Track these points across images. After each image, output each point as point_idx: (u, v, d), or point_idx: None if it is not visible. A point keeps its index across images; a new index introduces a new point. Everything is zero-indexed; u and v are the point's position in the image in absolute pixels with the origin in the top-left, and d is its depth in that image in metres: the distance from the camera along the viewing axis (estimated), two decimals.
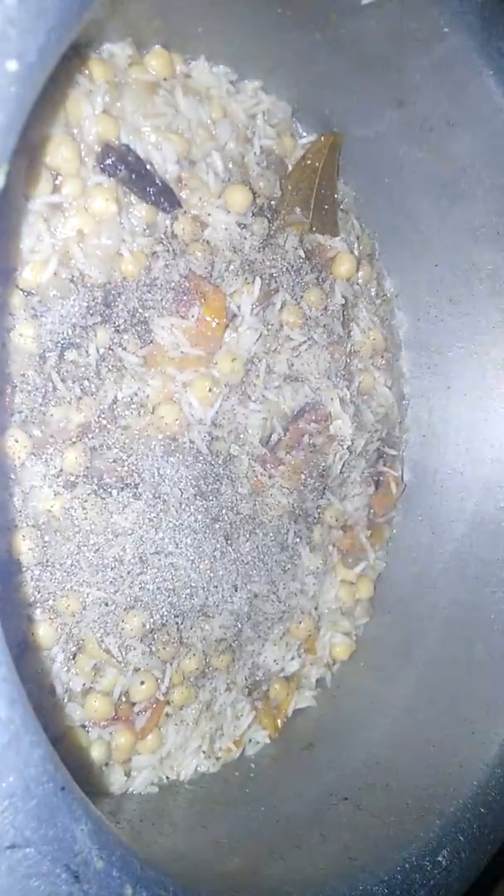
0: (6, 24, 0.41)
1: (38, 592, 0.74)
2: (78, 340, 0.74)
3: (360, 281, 0.97)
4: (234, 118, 0.85)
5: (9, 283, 0.70)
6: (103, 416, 0.76)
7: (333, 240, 0.93)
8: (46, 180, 0.72)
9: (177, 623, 0.81)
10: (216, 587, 0.83)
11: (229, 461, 0.84)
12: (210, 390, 0.81)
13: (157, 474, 0.79)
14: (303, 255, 0.89)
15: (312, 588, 0.93)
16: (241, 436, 0.85)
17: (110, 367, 0.76)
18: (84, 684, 0.77)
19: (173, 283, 0.79)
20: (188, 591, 0.81)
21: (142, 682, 0.79)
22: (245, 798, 0.85)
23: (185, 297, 0.79)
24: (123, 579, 0.77)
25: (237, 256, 0.83)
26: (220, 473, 0.83)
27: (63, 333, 0.73)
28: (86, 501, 0.75)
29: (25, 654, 0.74)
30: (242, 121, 0.86)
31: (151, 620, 0.79)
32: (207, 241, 0.81)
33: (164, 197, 0.77)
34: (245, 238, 0.83)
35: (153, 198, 0.77)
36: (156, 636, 0.80)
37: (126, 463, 0.77)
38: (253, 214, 0.84)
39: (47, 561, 0.74)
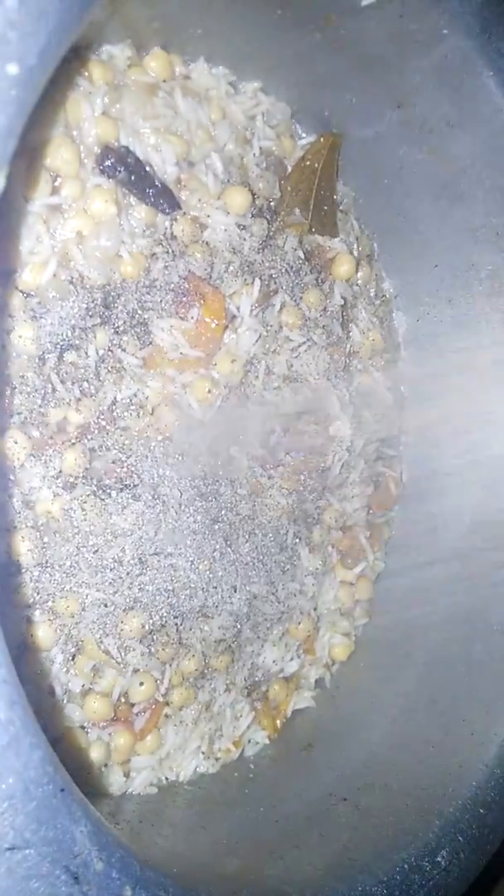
0: (6, 27, 0.41)
1: (38, 594, 0.74)
2: (77, 342, 0.74)
3: (359, 282, 0.97)
4: (234, 119, 0.85)
5: (8, 284, 0.70)
6: (102, 417, 0.76)
7: (333, 241, 0.93)
8: (46, 182, 0.72)
9: (176, 624, 0.81)
10: (215, 588, 0.83)
11: (228, 462, 0.84)
12: (209, 391, 0.81)
13: (156, 475, 0.79)
14: (302, 256, 0.89)
15: (311, 588, 0.93)
16: (241, 437, 0.85)
17: (109, 368, 0.76)
18: (83, 685, 0.77)
19: (172, 285, 0.79)
20: (187, 591, 0.81)
21: (141, 683, 0.79)
22: (244, 798, 0.85)
23: (184, 299, 0.79)
24: (123, 580, 0.77)
25: (236, 258, 0.83)
26: (220, 474, 0.83)
27: (62, 335, 0.73)
28: (85, 503, 0.75)
29: (25, 656, 0.74)
30: (242, 122, 0.86)
31: (151, 621, 0.79)
32: (207, 243, 0.81)
33: (164, 198, 0.77)
34: (244, 239, 0.83)
35: (152, 199, 0.77)
36: (155, 637, 0.80)
37: (125, 464, 0.77)
38: (252, 216, 0.84)
39: (46, 562, 0.74)
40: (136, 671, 0.79)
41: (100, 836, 0.52)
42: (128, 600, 0.78)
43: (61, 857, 0.50)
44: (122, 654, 0.78)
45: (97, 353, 0.75)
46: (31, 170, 0.71)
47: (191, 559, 0.81)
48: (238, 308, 0.83)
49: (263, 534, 0.87)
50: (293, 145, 0.91)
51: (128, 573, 0.77)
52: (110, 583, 0.77)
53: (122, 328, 0.76)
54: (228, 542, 0.84)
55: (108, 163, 0.74)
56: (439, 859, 0.73)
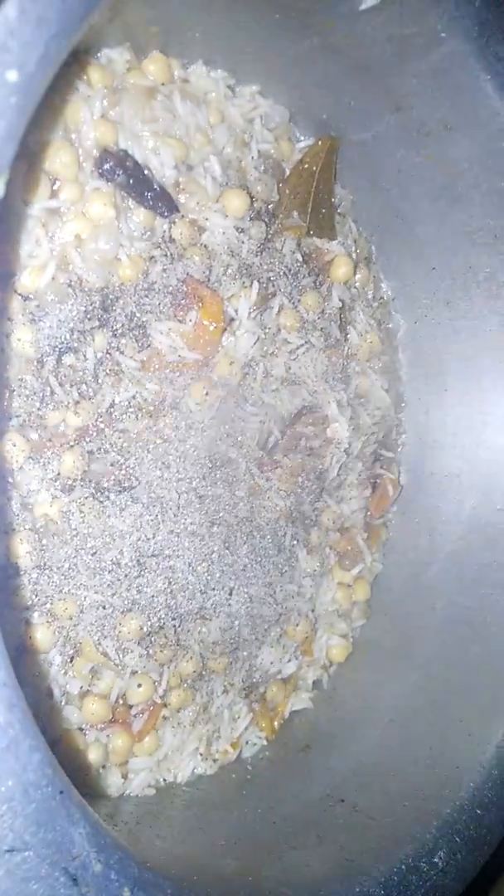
0: (6, 35, 0.41)
1: (36, 596, 0.74)
2: (76, 345, 0.74)
3: (357, 284, 0.97)
4: (232, 122, 0.85)
5: (7, 288, 0.70)
6: (101, 419, 0.76)
7: (331, 243, 0.93)
8: (45, 185, 0.72)
9: (174, 626, 0.81)
10: (213, 590, 0.84)
11: (227, 464, 0.84)
12: (207, 394, 0.81)
13: (154, 477, 0.79)
14: (300, 259, 0.89)
15: (309, 590, 0.93)
16: (239, 439, 0.85)
17: (108, 371, 0.76)
18: (81, 687, 0.77)
19: (171, 288, 0.79)
20: (185, 593, 0.82)
21: (139, 685, 0.80)
22: (242, 800, 0.85)
23: (182, 302, 0.80)
24: (121, 582, 0.77)
25: (235, 260, 0.83)
26: (218, 476, 0.83)
27: (61, 338, 0.73)
28: (83, 505, 0.75)
29: (23, 658, 0.74)
30: (240, 125, 0.86)
31: (149, 623, 0.79)
32: (205, 246, 0.81)
33: (162, 201, 0.77)
34: (242, 242, 0.84)
35: (151, 202, 0.77)
36: (153, 639, 0.80)
37: (123, 466, 0.78)
38: (250, 218, 0.85)
39: (45, 564, 0.74)
40: (134, 673, 0.80)
41: (98, 838, 0.52)
42: (126, 602, 0.78)
43: (60, 859, 0.50)
44: (121, 655, 0.78)
45: (95, 356, 0.75)
46: (30, 173, 0.71)
47: (189, 561, 0.81)
48: (236, 311, 0.83)
49: (261, 535, 0.88)
50: (291, 148, 0.91)
51: (126, 575, 0.78)
52: (108, 585, 0.77)
53: (120, 331, 0.77)
54: (226, 544, 0.84)
55: (106, 166, 0.74)
56: (437, 860, 0.73)
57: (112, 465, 0.77)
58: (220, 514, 0.84)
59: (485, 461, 0.98)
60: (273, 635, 0.91)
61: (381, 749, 0.88)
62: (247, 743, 0.92)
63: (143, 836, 0.75)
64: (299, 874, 0.71)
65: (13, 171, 0.46)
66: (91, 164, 0.74)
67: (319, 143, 0.92)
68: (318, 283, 0.92)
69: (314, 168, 0.91)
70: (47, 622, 0.74)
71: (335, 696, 0.98)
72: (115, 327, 0.76)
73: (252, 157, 0.86)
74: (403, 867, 0.71)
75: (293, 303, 0.88)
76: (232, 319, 0.83)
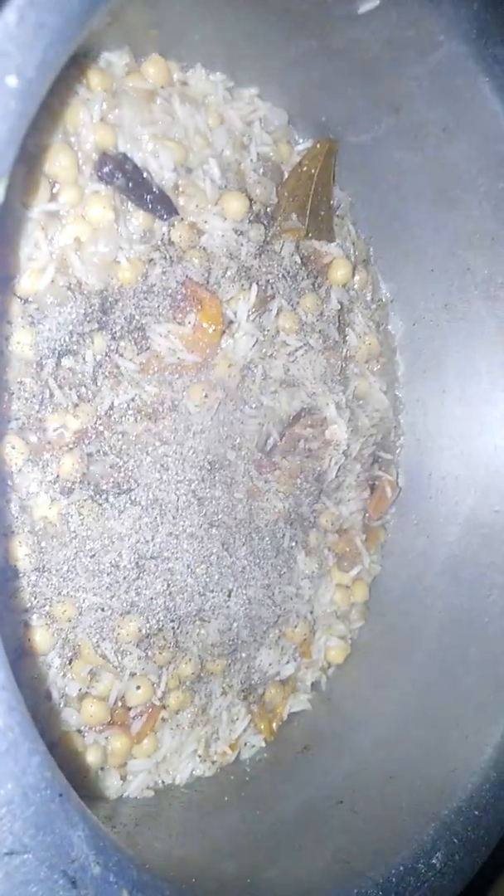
0: (6, 40, 0.41)
1: (35, 598, 0.74)
2: (75, 347, 0.74)
3: (355, 286, 0.97)
4: (231, 125, 0.85)
5: (6, 290, 0.70)
6: (100, 422, 0.76)
7: (329, 245, 0.93)
8: (44, 188, 0.72)
9: (173, 628, 0.81)
10: (212, 591, 0.84)
11: (225, 466, 0.84)
12: (206, 396, 0.81)
13: (153, 479, 0.79)
14: (299, 261, 0.90)
15: (308, 592, 0.94)
16: (238, 441, 0.85)
17: (107, 373, 0.76)
18: (80, 689, 0.78)
19: (170, 290, 0.79)
20: (184, 595, 0.82)
21: (138, 687, 0.80)
22: (240, 801, 0.85)
23: (181, 304, 0.80)
24: (119, 584, 0.78)
25: (234, 263, 0.83)
26: (217, 478, 0.83)
27: (60, 340, 0.73)
28: (82, 507, 0.75)
29: (22, 660, 0.74)
30: (239, 128, 0.86)
31: (147, 625, 0.79)
32: (204, 248, 0.81)
33: (161, 204, 0.78)
34: (241, 245, 0.84)
35: (150, 205, 0.77)
36: (152, 641, 0.80)
37: (122, 468, 0.78)
38: (249, 221, 0.85)
39: (44, 567, 0.74)
40: (132, 675, 0.80)
41: (97, 841, 0.52)
42: (125, 604, 0.78)
43: (59, 862, 0.50)
44: (119, 657, 0.78)
45: (95, 359, 0.75)
46: (30, 176, 0.71)
47: (188, 563, 0.81)
48: (235, 313, 0.83)
49: (260, 537, 0.88)
50: (290, 151, 0.91)
51: (125, 577, 0.78)
52: (107, 587, 0.77)
53: (119, 333, 0.77)
54: (225, 546, 0.84)
55: (106, 169, 0.74)
56: (434, 861, 0.74)
57: (111, 467, 0.77)
58: (219, 516, 0.84)
59: (483, 463, 0.98)
60: (271, 637, 0.91)
61: (379, 750, 0.88)
62: (245, 744, 0.92)
63: (142, 837, 0.75)
64: (297, 876, 0.72)
65: (13, 174, 0.47)
66: (90, 168, 0.74)
67: (318, 145, 0.92)
68: (316, 286, 0.92)
69: (313, 170, 0.91)
70: (46, 624, 0.75)
71: (333, 697, 0.98)
72: (114, 330, 0.76)
73: (251, 160, 0.87)
74: (401, 869, 0.72)
75: (292, 305, 0.89)
76: (231, 322, 0.83)
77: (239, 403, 0.85)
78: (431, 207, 0.92)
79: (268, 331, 0.86)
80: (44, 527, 0.74)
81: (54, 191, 0.73)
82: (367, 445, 0.98)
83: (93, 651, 0.77)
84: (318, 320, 0.91)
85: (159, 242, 0.79)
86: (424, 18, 0.76)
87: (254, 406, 0.86)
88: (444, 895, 0.74)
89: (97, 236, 0.74)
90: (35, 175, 0.71)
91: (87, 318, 0.74)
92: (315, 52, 0.83)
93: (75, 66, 0.73)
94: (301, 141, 0.93)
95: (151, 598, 0.79)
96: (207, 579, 0.83)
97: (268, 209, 0.88)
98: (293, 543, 0.91)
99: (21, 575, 0.73)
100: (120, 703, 0.80)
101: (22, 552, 0.72)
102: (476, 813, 0.77)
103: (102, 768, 0.81)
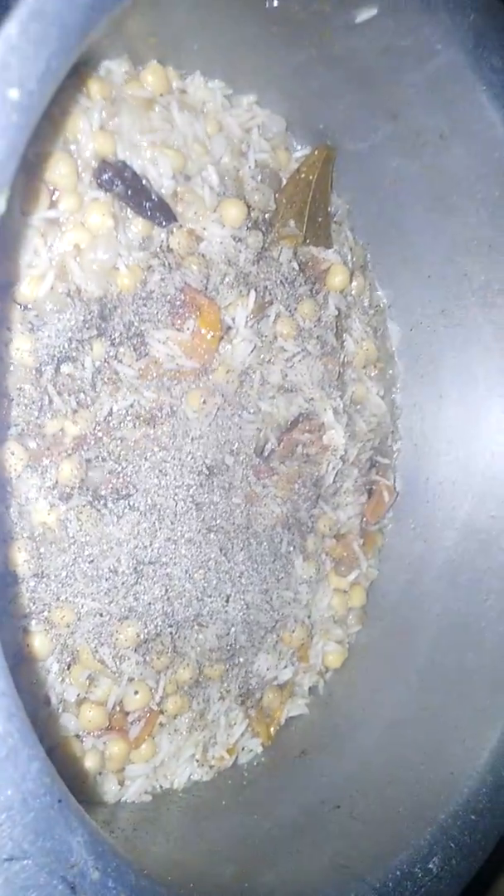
0: (7, 52, 0.42)
1: (34, 604, 0.74)
2: (74, 354, 0.74)
3: (353, 292, 0.98)
4: (230, 132, 0.86)
5: (6, 297, 0.71)
6: (99, 428, 0.76)
7: (327, 252, 0.93)
8: (44, 196, 0.72)
9: (171, 633, 0.82)
10: (210, 597, 0.84)
11: (224, 471, 0.84)
12: (204, 401, 0.81)
13: (151, 485, 0.79)
14: (297, 268, 0.90)
15: (305, 596, 0.94)
16: (236, 446, 0.85)
17: (106, 379, 0.77)
18: (78, 694, 0.78)
19: (169, 297, 0.79)
20: (182, 600, 0.82)
21: (136, 692, 0.80)
22: (238, 806, 0.85)
23: (180, 310, 0.80)
24: (118, 590, 0.78)
25: (232, 269, 0.84)
26: (215, 483, 0.84)
27: (59, 347, 0.73)
28: (81, 513, 0.76)
29: (21, 665, 0.74)
30: (237, 135, 0.86)
31: (146, 630, 0.79)
32: (203, 255, 0.82)
33: (160, 211, 0.78)
34: (240, 251, 0.84)
35: (149, 212, 0.77)
36: (150, 646, 0.81)
37: (121, 474, 0.78)
38: (248, 228, 0.85)
39: (42, 572, 0.74)
40: (130, 680, 0.80)
41: (96, 846, 0.53)
42: (123, 610, 0.78)
43: (58, 868, 0.50)
44: (117, 663, 0.79)
45: (94, 365, 0.76)
46: (30, 184, 0.71)
47: (186, 568, 0.82)
48: (233, 319, 0.84)
49: (258, 542, 0.88)
50: (288, 158, 0.92)
51: (123, 583, 0.78)
52: (106, 592, 0.77)
53: (118, 340, 0.77)
54: (223, 551, 0.85)
55: (105, 176, 0.75)
56: (431, 866, 0.74)
57: (110, 472, 0.77)
58: (217, 521, 0.84)
59: (479, 468, 0.99)
60: (269, 642, 0.91)
61: (376, 755, 0.89)
62: (243, 749, 0.92)
63: (140, 842, 0.75)
64: (295, 880, 0.72)
65: (13, 183, 0.47)
66: (90, 175, 0.75)
67: (316, 152, 0.92)
68: (314, 292, 0.92)
69: (311, 177, 0.91)
70: (45, 630, 0.75)
71: (331, 702, 0.98)
72: (113, 336, 0.77)
73: (249, 167, 0.87)
74: (398, 873, 0.72)
75: (290, 311, 0.89)
76: (229, 328, 0.84)
77: (237, 409, 0.85)
78: (429, 214, 0.93)
79: (266, 337, 0.87)
80: (43, 532, 0.74)
81: (54, 198, 0.73)
82: (365, 450, 0.99)
83: (91, 656, 0.77)
84: (315, 326, 0.92)
85: (158, 249, 0.79)
86: (422, 27, 0.76)
87: (252, 411, 0.86)
88: None
89: (96, 243, 0.74)
90: (35, 183, 0.71)
91: (87, 325, 0.75)
92: (313, 60, 0.83)
93: (75, 74, 0.74)
94: (299, 148, 0.94)
95: (150, 604, 0.80)
96: (205, 584, 0.83)
97: (266, 216, 0.89)
98: (291, 548, 0.91)
99: (20, 581, 0.73)
100: (118, 708, 0.80)
101: (21, 558, 0.73)
102: (473, 817, 0.78)
103: (100, 773, 0.81)
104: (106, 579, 0.77)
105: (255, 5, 0.76)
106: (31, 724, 0.50)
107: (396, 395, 1.05)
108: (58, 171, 0.72)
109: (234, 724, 0.90)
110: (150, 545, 0.79)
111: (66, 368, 0.74)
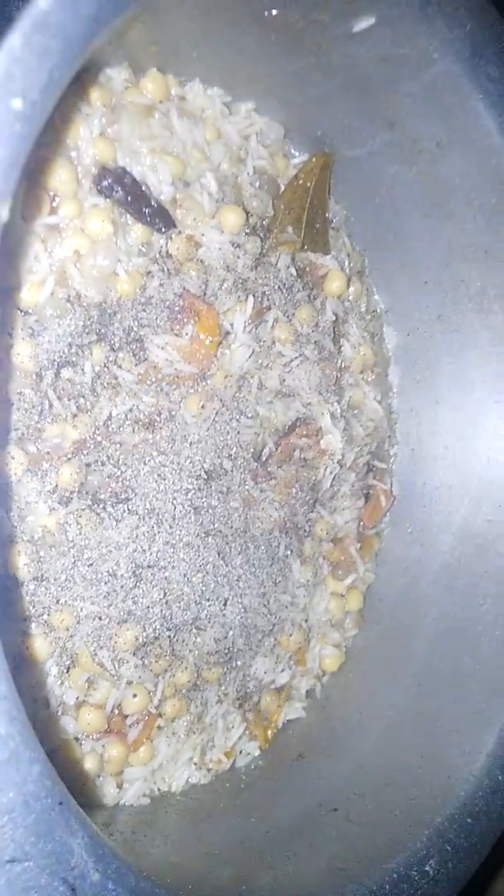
0: (11, 63, 0.42)
1: (34, 607, 0.75)
2: (74, 359, 0.75)
3: (350, 298, 0.98)
4: (228, 139, 0.86)
5: (7, 303, 0.71)
6: (98, 432, 0.77)
7: (324, 258, 0.94)
8: (44, 202, 0.73)
9: (169, 636, 0.82)
10: (208, 600, 0.84)
11: (222, 475, 0.85)
12: (203, 406, 0.82)
13: (150, 489, 0.80)
14: (294, 273, 0.91)
15: (303, 600, 0.94)
16: (234, 450, 0.86)
17: (105, 384, 0.77)
18: (77, 697, 0.78)
19: (168, 302, 0.80)
20: (181, 604, 0.82)
21: (134, 695, 0.80)
22: (236, 809, 0.86)
23: (179, 316, 0.81)
24: (117, 593, 0.78)
25: (230, 275, 0.84)
26: (213, 488, 0.84)
27: (59, 352, 0.74)
28: (80, 517, 0.76)
29: (21, 668, 0.75)
30: (236, 142, 0.87)
31: (144, 634, 0.80)
32: (201, 261, 0.82)
33: (160, 217, 0.79)
34: (238, 257, 0.85)
35: (149, 218, 0.78)
36: (148, 649, 0.81)
37: (120, 478, 0.78)
38: (246, 234, 0.86)
39: (42, 576, 0.75)
40: (129, 683, 0.80)
41: (96, 848, 0.53)
42: (122, 613, 0.79)
43: (59, 869, 0.51)
44: (116, 666, 0.79)
45: (93, 370, 0.76)
46: (30, 190, 0.72)
47: (184, 572, 0.82)
48: (232, 324, 0.84)
49: (256, 546, 0.88)
50: (286, 164, 0.93)
51: (122, 586, 0.78)
52: (105, 596, 0.78)
53: (118, 345, 0.78)
54: (221, 555, 0.85)
55: (105, 183, 0.75)
56: (428, 869, 0.74)
57: (109, 477, 0.78)
58: (215, 525, 0.85)
59: (476, 472, 0.99)
60: (267, 645, 0.91)
61: (373, 758, 0.89)
62: (240, 752, 0.92)
63: (139, 845, 0.75)
64: (292, 882, 0.72)
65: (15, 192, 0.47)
66: (90, 181, 0.75)
67: (314, 159, 0.93)
68: (312, 297, 0.93)
69: (308, 184, 0.92)
70: (44, 633, 0.75)
71: (328, 705, 0.98)
72: (112, 341, 0.77)
73: (248, 174, 0.88)
74: (395, 876, 0.72)
75: (287, 316, 0.90)
76: (227, 333, 0.84)
77: (235, 413, 0.85)
78: (425, 220, 0.93)
79: (264, 342, 0.87)
80: (42, 536, 0.75)
81: (54, 204, 0.74)
82: (362, 455, 0.99)
83: (90, 659, 0.78)
84: (313, 331, 0.92)
85: (157, 255, 0.80)
86: (419, 37, 0.77)
87: (250, 416, 0.87)
88: None
89: (96, 249, 0.75)
90: (35, 189, 0.72)
91: (86, 330, 0.75)
92: (311, 69, 0.84)
93: (76, 82, 0.74)
94: (297, 155, 0.95)
95: (148, 607, 0.80)
96: (203, 588, 0.84)
97: (264, 222, 0.89)
98: (288, 552, 0.92)
99: (20, 584, 0.74)
100: (117, 711, 0.81)
101: (21, 561, 0.73)
102: (469, 821, 0.78)
103: (99, 776, 0.81)
104: (105, 583, 0.77)
105: (254, 14, 0.76)
106: (32, 728, 0.50)
107: (393, 400, 1.06)
108: (58, 177, 0.73)
109: (232, 727, 0.90)
110: (149, 549, 0.80)
111: (66, 373, 0.75)
